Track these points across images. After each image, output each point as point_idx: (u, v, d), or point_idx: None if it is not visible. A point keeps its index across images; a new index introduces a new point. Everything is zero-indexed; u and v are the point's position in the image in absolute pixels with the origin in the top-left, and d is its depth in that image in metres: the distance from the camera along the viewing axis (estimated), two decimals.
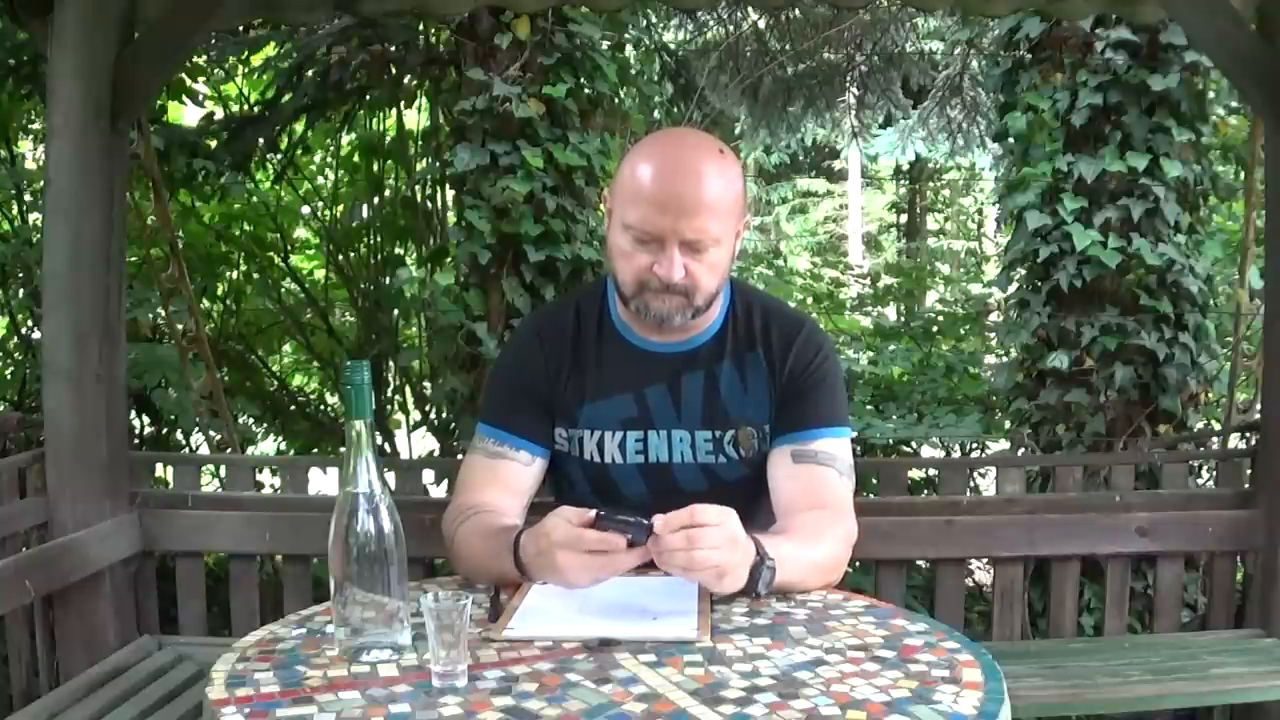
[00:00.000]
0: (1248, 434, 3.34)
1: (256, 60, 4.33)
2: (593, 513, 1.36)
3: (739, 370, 1.70)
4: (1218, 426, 3.71)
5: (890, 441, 4.00)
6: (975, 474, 3.78)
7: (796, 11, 4.98)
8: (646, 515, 1.62)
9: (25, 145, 4.37)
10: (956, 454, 4.17)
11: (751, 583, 1.40)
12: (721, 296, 1.69)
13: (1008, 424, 3.91)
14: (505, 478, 1.68)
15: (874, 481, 3.23)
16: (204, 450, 3.89)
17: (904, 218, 16.05)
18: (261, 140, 4.02)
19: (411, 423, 4.38)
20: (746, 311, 1.73)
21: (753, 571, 1.40)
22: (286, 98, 3.97)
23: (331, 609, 1.27)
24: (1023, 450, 3.59)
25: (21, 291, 3.71)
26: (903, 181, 15.52)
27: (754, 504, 1.69)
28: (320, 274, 4.67)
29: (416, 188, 4.15)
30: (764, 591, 1.42)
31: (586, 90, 3.48)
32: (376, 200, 4.33)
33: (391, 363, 4.18)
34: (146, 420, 3.84)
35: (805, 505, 1.61)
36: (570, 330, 1.73)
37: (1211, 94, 3.50)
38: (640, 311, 1.63)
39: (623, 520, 1.34)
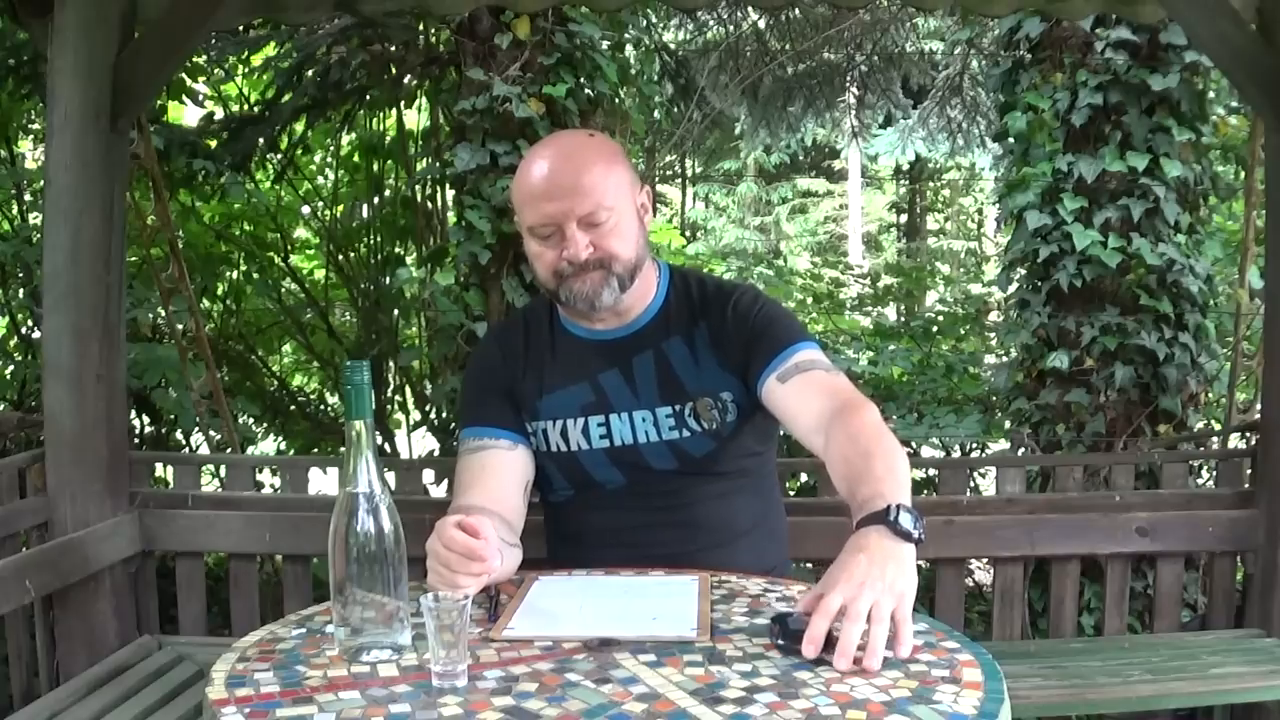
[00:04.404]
0: (1248, 434, 3.33)
1: (256, 60, 4.33)
2: (483, 521, 1.35)
3: (688, 344, 1.75)
4: (1218, 426, 3.71)
5: None
6: (975, 474, 3.77)
7: (796, 11, 4.98)
8: (623, 502, 1.64)
9: (25, 145, 4.36)
10: (956, 454, 4.17)
11: (903, 529, 1.27)
12: (656, 278, 1.78)
13: (1008, 424, 3.91)
14: (492, 468, 1.72)
15: None
16: (204, 450, 3.88)
17: (904, 218, 16.08)
18: (261, 140, 4.02)
19: (411, 423, 4.38)
20: (685, 289, 1.80)
21: (893, 526, 1.27)
22: (286, 98, 3.97)
23: (331, 609, 1.28)
24: (1023, 450, 3.59)
25: (21, 291, 3.71)
26: (903, 181, 15.53)
27: (723, 479, 1.74)
28: (320, 274, 4.67)
29: (416, 188, 4.15)
30: (918, 525, 1.28)
31: (586, 90, 3.48)
32: (376, 200, 4.33)
33: (391, 363, 4.18)
34: (146, 420, 3.84)
35: (819, 409, 1.59)
36: (522, 334, 1.83)
37: (1211, 94, 3.50)
38: (568, 300, 1.69)
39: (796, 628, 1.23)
